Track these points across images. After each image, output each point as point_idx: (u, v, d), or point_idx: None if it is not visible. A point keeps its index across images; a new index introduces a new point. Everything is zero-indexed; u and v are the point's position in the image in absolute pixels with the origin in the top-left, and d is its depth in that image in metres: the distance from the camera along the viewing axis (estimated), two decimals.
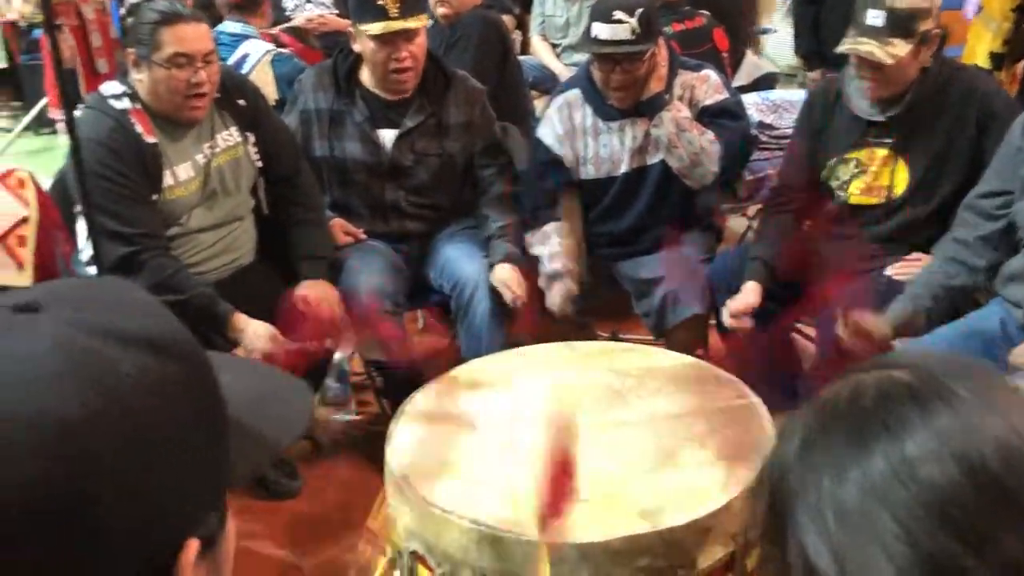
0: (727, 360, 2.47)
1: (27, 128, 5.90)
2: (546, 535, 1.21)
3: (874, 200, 2.37)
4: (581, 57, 4.25)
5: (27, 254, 1.99)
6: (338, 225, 2.64)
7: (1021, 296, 1.95)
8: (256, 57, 3.45)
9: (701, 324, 2.58)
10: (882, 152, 2.34)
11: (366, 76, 2.61)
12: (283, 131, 2.55)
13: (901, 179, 2.33)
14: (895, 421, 0.60)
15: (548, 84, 4.08)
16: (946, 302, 2.09)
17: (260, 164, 2.45)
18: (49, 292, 0.56)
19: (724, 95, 2.57)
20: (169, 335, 0.57)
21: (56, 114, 5.36)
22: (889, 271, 2.28)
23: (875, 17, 2.18)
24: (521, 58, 4.61)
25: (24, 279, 1.98)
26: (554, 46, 4.36)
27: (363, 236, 2.66)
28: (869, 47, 2.18)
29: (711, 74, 2.60)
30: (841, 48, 2.25)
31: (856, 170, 2.38)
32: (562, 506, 1.21)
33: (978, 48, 3.03)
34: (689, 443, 1.45)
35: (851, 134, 2.38)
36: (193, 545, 0.55)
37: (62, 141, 5.09)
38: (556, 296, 2.55)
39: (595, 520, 1.26)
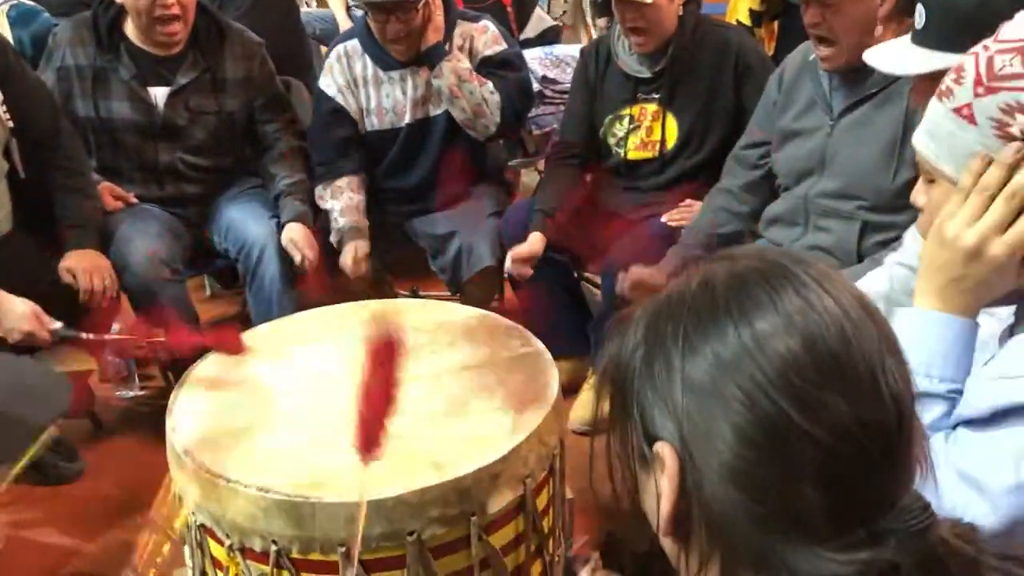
0: (518, 309, 2.55)
1: None
2: (367, 459, 1.17)
3: (649, 154, 2.50)
4: None
5: None
6: (106, 189, 2.47)
7: (781, 237, 2.11)
8: None
9: (495, 276, 2.63)
10: (651, 107, 2.46)
11: (131, 29, 2.44)
12: (38, 88, 2.34)
13: (672, 133, 2.46)
14: (748, 301, 0.66)
15: (333, 37, 3.99)
16: (715, 248, 2.23)
17: (11, 124, 2.24)
18: None
19: (503, 46, 2.61)
20: None
21: None
22: (664, 218, 2.41)
23: None
24: (307, 10, 4.48)
25: None
26: None
27: (134, 200, 2.50)
28: None
29: (489, 25, 2.63)
30: None
31: (630, 126, 2.49)
32: (380, 432, 1.18)
33: (739, 5, 3.22)
34: (479, 393, 1.48)
35: (622, 91, 2.49)
36: None
37: None
38: (347, 257, 2.51)
39: (388, 476, 1.26)
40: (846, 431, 0.63)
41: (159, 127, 2.47)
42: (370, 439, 1.18)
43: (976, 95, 0.95)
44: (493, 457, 1.30)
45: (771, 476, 0.64)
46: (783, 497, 0.64)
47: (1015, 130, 0.94)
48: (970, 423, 0.95)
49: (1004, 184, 0.94)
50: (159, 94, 2.46)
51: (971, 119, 0.96)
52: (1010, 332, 1.03)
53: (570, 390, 2.42)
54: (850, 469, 0.63)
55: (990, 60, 0.95)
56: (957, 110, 0.97)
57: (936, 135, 1.00)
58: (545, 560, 1.45)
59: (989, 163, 0.95)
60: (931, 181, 1.04)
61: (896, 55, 1.46)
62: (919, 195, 1.07)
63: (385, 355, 1.22)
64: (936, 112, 1.01)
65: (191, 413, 1.45)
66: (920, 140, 1.03)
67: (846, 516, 0.63)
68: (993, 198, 0.95)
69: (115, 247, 2.34)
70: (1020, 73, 0.93)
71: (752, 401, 0.64)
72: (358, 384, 1.20)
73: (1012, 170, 0.94)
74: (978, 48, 0.98)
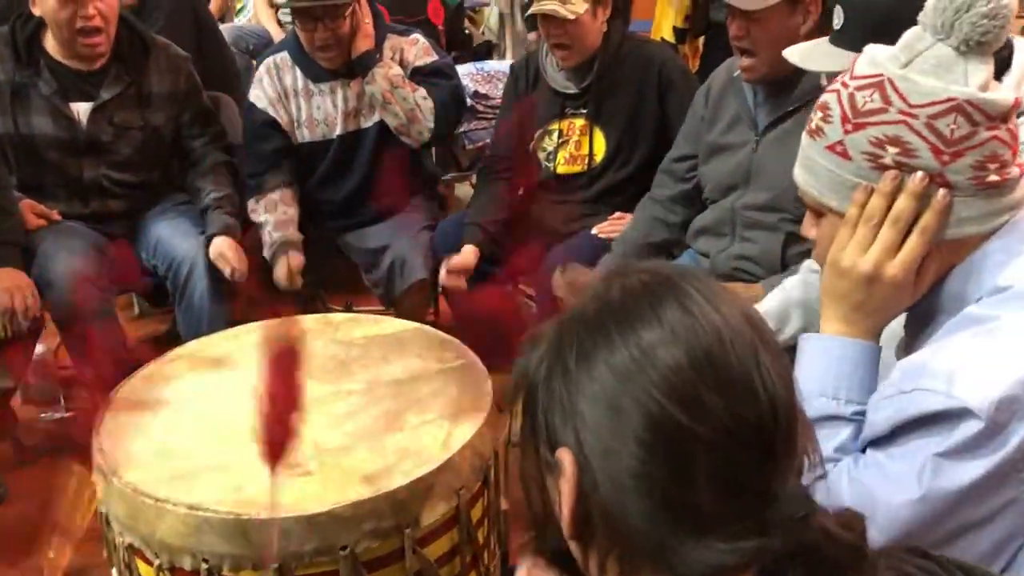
0: (452, 321, 2.55)
1: None
2: (273, 471, 1.17)
3: (578, 168, 2.54)
4: None
5: None
6: (27, 206, 2.40)
7: (708, 247, 2.16)
8: None
9: (428, 289, 2.63)
10: (579, 122, 2.51)
11: (51, 43, 2.39)
12: None
13: (599, 147, 2.51)
14: (634, 315, 0.71)
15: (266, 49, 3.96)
16: (646, 257, 2.28)
17: None
18: None
19: (433, 57, 2.62)
20: None
21: None
22: (595, 231, 2.45)
23: None
24: (239, 24, 4.43)
25: None
26: (277, 8, 4.22)
27: (57, 217, 2.44)
28: (552, 5, 2.35)
29: (419, 37, 2.65)
30: (529, 11, 2.40)
31: (559, 141, 2.53)
32: (286, 441, 1.16)
33: (664, 23, 3.30)
34: (412, 406, 1.48)
35: (551, 107, 2.53)
36: None
37: None
38: (281, 269, 2.49)
39: (322, 490, 1.26)
40: (725, 427, 0.67)
41: (82, 143, 2.42)
42: (276, 448, 1.16)
43: (846, 132, 1.01)
44: (426, 469, 1.30)
45: (662, 474, 0.67)
46: (674, 493, 0.67)
47: (888, 160, 0.99)
48: (875, 443, 0.99)
49: (887, 211, 1.00)
50: (82, 109, 2.41)
51: (845, 155, 1.01)
52: (905, 346, 1.08)
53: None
54: (733, 463, 0.67)
55: (852, 97, 1.01)
56: (831, 147, 1.02)
57: (815, 172, 1.05)
58: (480, 571, 1.46)
59: (871, 193, 1.01)
60: (819, 215, 1.09)
61: (814, 53, 1.51)
62: (809, 229, 1.12)
63: (285, 363, 1.21)
64: (811, 150, 1.06)
65: (117, 434, 1.43)
66: (801, 178, 1.08)
67: (732, 508, 0.67)
68: (879, 225, 1.01)
69: (38, 265, 2.27)
70: (881, 107, 0.98)
71: (642, 406, 0.68)
72: (259, 395, 1.18)
73: (892, 197, 1.00)
74: (837, 85, 1.04)
